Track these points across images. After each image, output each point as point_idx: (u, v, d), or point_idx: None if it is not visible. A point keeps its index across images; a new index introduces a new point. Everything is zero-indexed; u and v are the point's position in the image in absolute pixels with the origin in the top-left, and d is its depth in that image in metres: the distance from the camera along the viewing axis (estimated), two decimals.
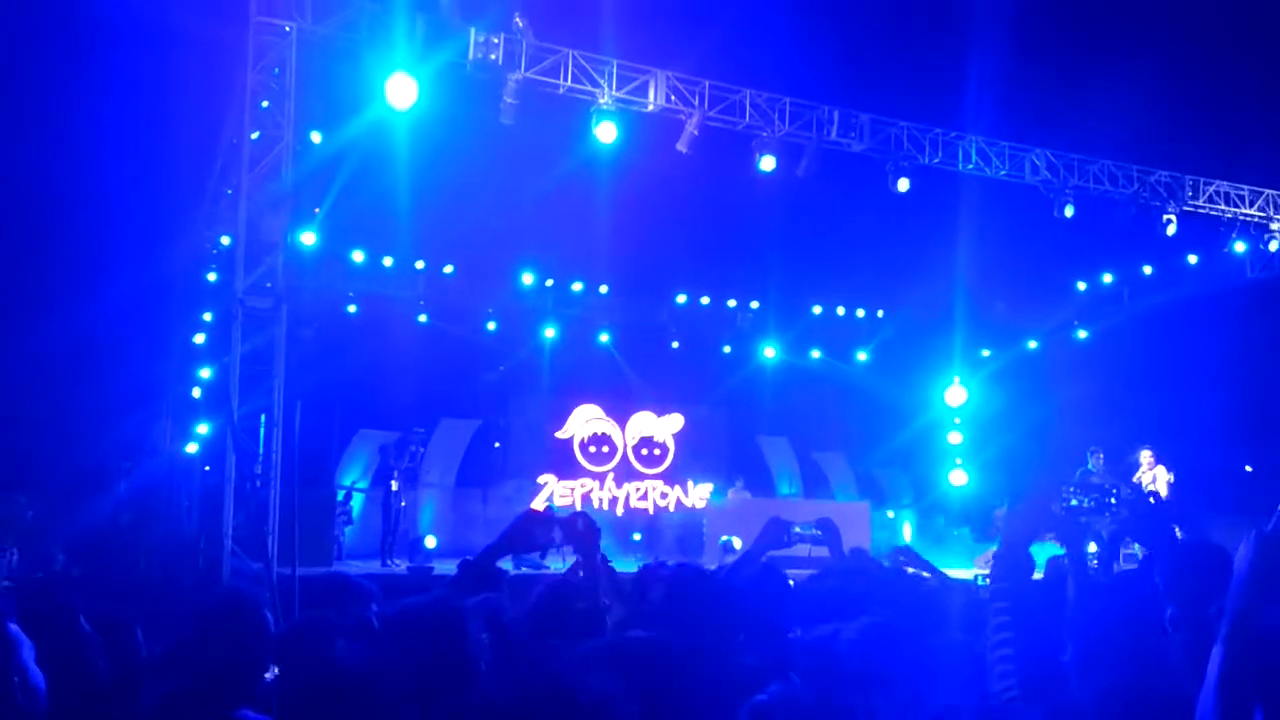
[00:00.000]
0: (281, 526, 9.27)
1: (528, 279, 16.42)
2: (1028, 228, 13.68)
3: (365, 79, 10.18)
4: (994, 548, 13.91)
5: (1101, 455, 13.31)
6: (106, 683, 2.44)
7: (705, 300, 17.82)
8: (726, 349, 18.53)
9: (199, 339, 12.20)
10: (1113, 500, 11.64)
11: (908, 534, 17.45)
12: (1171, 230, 13.55)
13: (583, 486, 17.20)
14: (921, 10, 12.83)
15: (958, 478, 18.31)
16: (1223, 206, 14.03)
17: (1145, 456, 12.84)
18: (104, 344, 12.10)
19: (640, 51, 11.33)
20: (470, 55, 10.42)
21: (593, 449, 17.44)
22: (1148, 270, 16.62)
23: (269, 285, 9.79)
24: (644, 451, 17.75)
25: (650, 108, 11.35)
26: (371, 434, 14.68)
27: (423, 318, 16.25)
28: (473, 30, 10.41)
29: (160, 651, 2.99)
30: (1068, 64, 13.18)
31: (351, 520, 13.85)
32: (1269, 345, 14.40)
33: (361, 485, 14.39)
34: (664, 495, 17.64)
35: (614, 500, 17.34)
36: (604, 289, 17.17)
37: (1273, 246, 14.45)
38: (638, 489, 17.55)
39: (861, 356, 18.90)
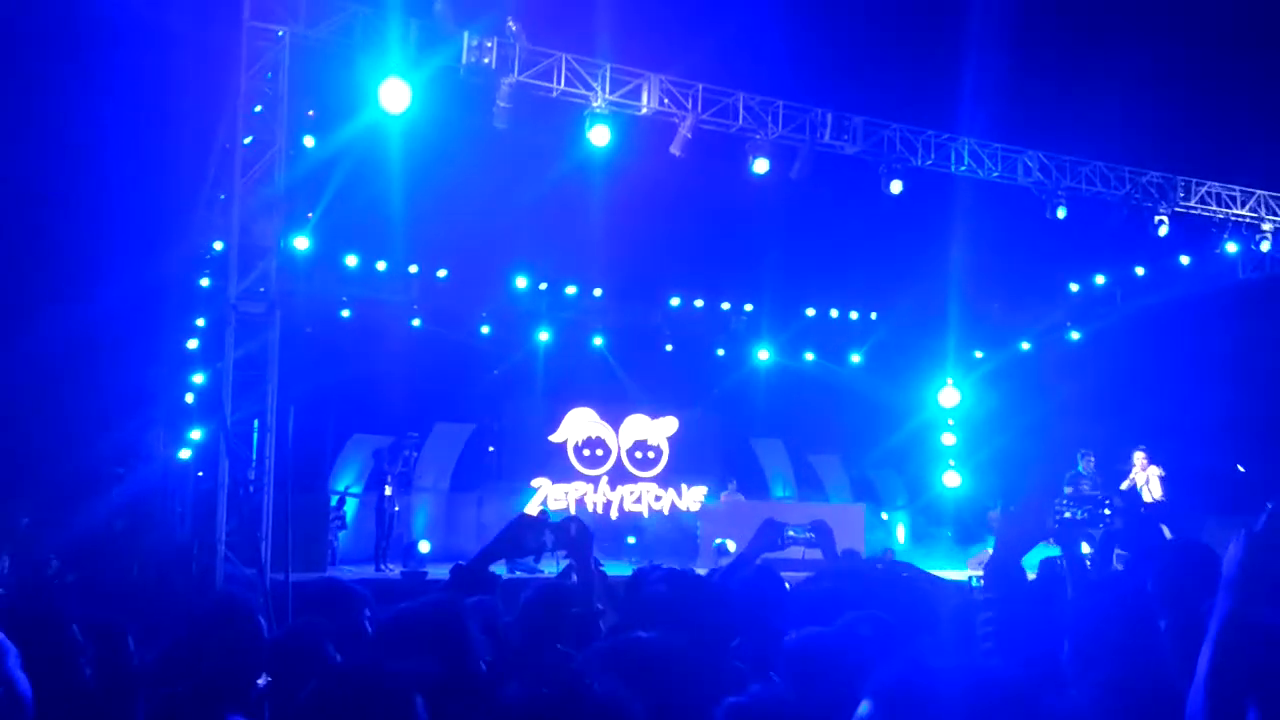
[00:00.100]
0: (275, 532, 9.26)
1: (521, 283, 16.42)
2: (1020, 229, 13.71)
3: (359, 83, 10.18)
4: (986, 548, 13.98)
5: (1092, 458, 13.34)
6: (96, 691, 2.43)
7: (699, 303, 17.84)
8: (720, 351, 18.55)
9: (192, 344, 12.17)
10: (1106, 511, 11.68)
11: (901, 536, 17.49)
12: (1163, 231, 13.59)
13: (577, 490, 17.20)
14: (914, 13, 12.86)
15: (951, 479, 18.34)
16: (1214, 207, 14.08)
17: (1139, 458, 12.86)
18: (98, 350, 12.07)
19: (633, 55, 11.35)
20: (464, 59, 10.43)
21: (587, 452, 17.44)
22: (1140, 271, 16.66)
23: (262, 290, 9.78)
24: (638, 454, 17.76)
25: (643, 111, 11.36)
26: (365, 439, 14.66)
27: (416, 322, 16.24)
28: (466, 34, 10.41)
29: (153, 657, 2.98)
30: (1060, 66, 13.23)
31: (345, 525, 13.83)
32: (1261, 345, 14.43)
33: (355, 490, 14.37)
34: (658, 498, 17.65)
35: (608, 504, 17.35)
36: (598, 292, 17.18)
37: (1264, 247, 14.50)
38: (632, 492, 17.55)
39: (855, 358, 18.93)
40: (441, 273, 15.93)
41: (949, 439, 18.80)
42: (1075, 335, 18.34)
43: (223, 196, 10.67)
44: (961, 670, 1.63)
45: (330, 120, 10.98)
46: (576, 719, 1.80)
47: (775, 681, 2.34)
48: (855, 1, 12.86)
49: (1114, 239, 14.14)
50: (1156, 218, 13.49)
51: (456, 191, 12.20)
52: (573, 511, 16.76)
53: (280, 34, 9.82)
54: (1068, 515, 12.05)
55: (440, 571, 11.29)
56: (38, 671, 2.12)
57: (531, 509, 15.82)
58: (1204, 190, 13.98)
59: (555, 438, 17.29)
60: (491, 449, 16.84)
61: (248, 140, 9.87)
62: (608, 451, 17.60)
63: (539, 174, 12.18)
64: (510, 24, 10.55)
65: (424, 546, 13.70)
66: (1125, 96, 12.40)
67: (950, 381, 18.46)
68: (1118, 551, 10.86)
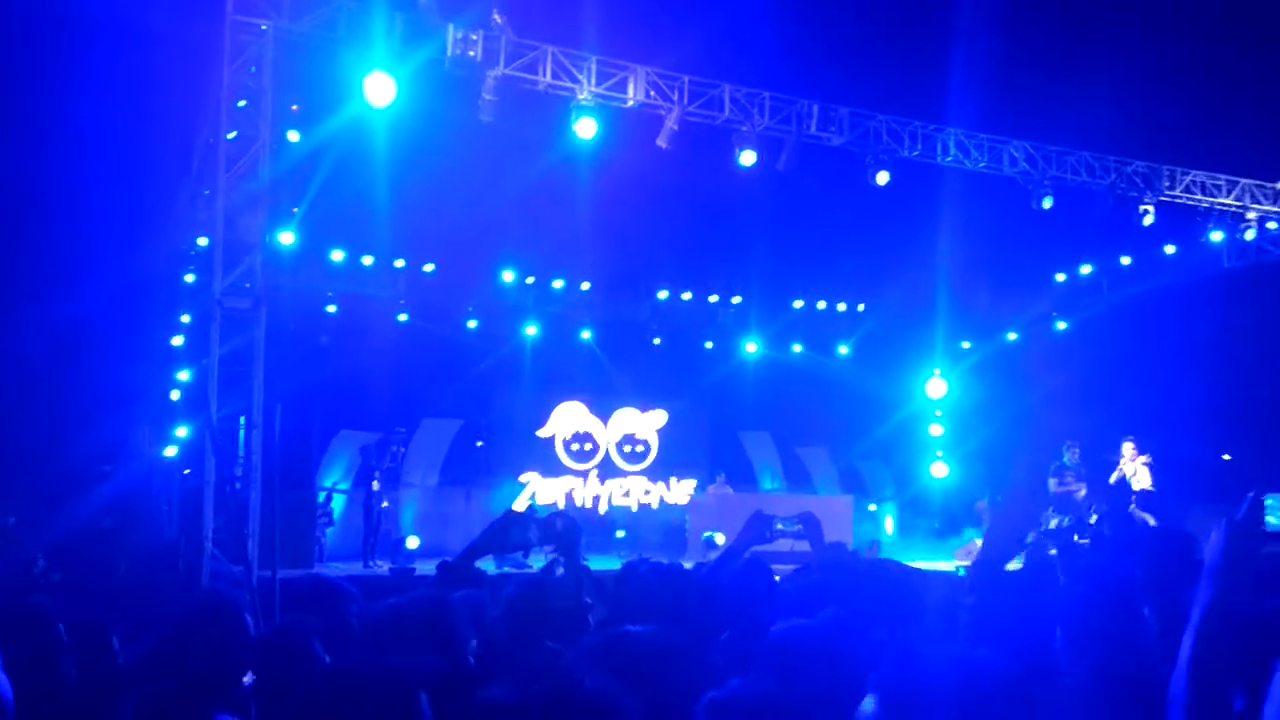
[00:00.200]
0: (262, 529, 9.23)
1: (508, 276, 16.39)
2: (1006, 219, 13.73)
3: (343, 77, 10.13)
4: (974, 539, 14.00)
5: (1077, 449, 13.39)
6: (80, 690, 2.42)
7: (687, 296, 17.83)
8: (708, 344, 18.55)
9: (177, 341, 12.12)
10: (1092, 519, 11.72)
11: (889, 527, 17.55)
12: (1149, 220, 13.62)
13: (565, 484, 17.20)
14: (899, 4, 12.87)
15: (939, 470, 18.41)
16: (1199, 196, 14.12)
17: (1127, 448, 12.91)
18: (81, 348, 12.02)
19: (619, 47, 11.32)
20: (449, 52, 10.38)
21: (575, 446, 17.43)
22: (1126, 261, 16.71)
23: (247, 286, 9.74)
24: (626, 448, 17.76)
25: (630, 103, 11.34)
26: (352, 435, 14.62)
27: (403, 317, 16.19)
28: (451, 27, 10.36)
29: (139, 655, 2.97)
30: (1045, 57, 13.26)
31: (333, 522, 13.79)
32: (1246, 334, 14.51)
33: (343, 486, 14.33)
34: (647, 492, 17.66)
35: (597, 498, 17.35)
36: (585, 286, 17.15)
37: (1249, 235, 14.56)
38: (621, 486, 17.56)
39: (843, 350, 18.97)
40: (428, 267, 15.88)
41: (936, 430, 18.87)
42: (1062, 325, 18.40)
43: (207, 192, 10.61)
44: (955, 662, 1.63)
45: (315, 114, 10.93)
46: (568, 717, 1.79)
47: (755, 676, 2.33)
48: None
49: (1100, 229, 14.18)
50: (1142, 207, 13.53)
51: (442, 185, 12.16)
52: (561, 505, 16.77)
53: (263, 28, 9.76)
54: (1053, 524, 12.10)
55: (429, 567, 11.25)
56: (20, 671, 2.10)
57: (520, 504, 15.81)
58: (1189, 179, 14.03)
59: (544, 432, 17.27)
60: (480, 444, 16.81)
61: (232, 135, 9.81)
62: (596, 445, 17.60)
63: (525, 167, 12.14)
64: (495, 16, 10.51)
65: (412, 542, 13.67)
66: (1110, 86, 12.42)
67: (938, 372, 18.52)
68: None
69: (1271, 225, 14.64)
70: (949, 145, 12.78)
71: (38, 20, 10.56)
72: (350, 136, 10.77)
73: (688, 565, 4.77)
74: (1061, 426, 14.36)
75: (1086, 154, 13.38)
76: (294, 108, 11.01)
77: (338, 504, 14.09)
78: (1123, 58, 12.28)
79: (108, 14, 10.27)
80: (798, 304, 18.31)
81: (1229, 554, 1.72)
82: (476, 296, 16.64)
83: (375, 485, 12.97)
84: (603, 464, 17.55)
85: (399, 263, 15.72)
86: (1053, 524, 12.06)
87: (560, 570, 3.92)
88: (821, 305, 18.48)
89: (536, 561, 10.02)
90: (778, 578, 4.35)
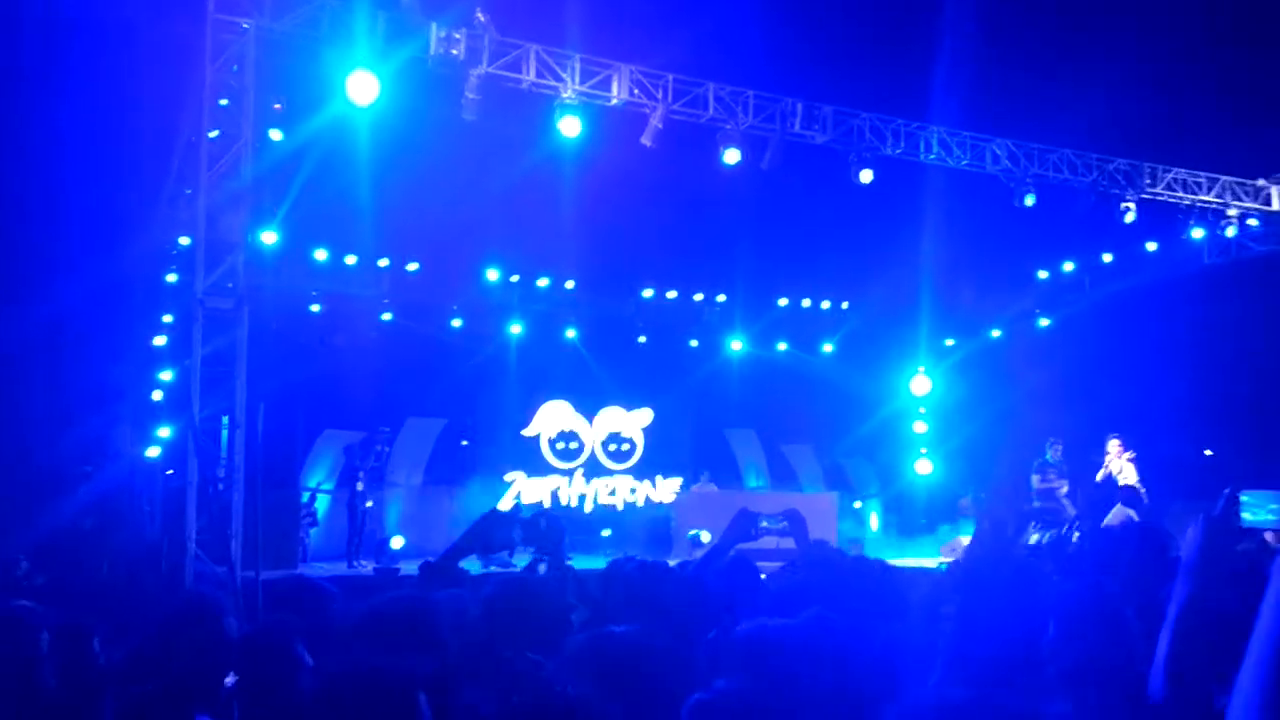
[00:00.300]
0: (245, 530, 9.19)
1: (493, 275, 16.36)
2: (989, 217, 13.79)
3: (325, 76, 10.09)
4: (959, 535, 14.04)
5: (1060, 446, 13.46)
6: (61, 692, 2.40)
7: (672, 294, 17.83)
8: (693, 343, 18.55)
9: (159, 341, 12.04)
10: (1075, 536, 11.77)
11: (874, 524, 17.62)
12: (1130, 218, 13.71)
13: (551, 483, 17.18)
14: (882, 3, 12.90)
15: (923, 467, 18.48)
16: (1180, 194, 14.22)
17: (1113, 446, 12.99)
18: (62, 347, 11.92)
19: (603, 46, 11.31)
20: (432, 51, 10.35)
21: (561, 445, 17.43)
22: (1107, 258, 16.80)
23: (230, 285, 9.70)
24: (612, 447, 17.76)
25: (614, 102, 11.34)
26: (336, 434, 14.58)
27: (387, 316, 16.14)
28: (434, 26, 10.33)
29: (121, 657, 2.96)
30: (1027, 55, 13.30)
31: (317, 522, 13.75)
32: (1227, 330, 14.62)
33: (327, 487, 14.29)
34: (632, 490, 17.67)
35: (582, 496, 17.35)
36: (570, 284, 17.13)
37: (1229, 232, 14.66)
38: (606, 485, 17.57)
39: (827, 348, 19.00)
40: (412, 266, 15.83)
41: (920, 427, 18.94)
42: (1044, 322, 18.49)
43: (188, 191, 10.55)
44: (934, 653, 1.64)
45: (297, 113, 10.88)
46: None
47: (740, 676, 2.34)
48: None
49: (1082, 226, 14.25)
50: (1123, 204, 13.61)
51: (426, 184, 12.12)
52: (547, 504, 16.76)
53: (245, 26, 9.71)
54: (1034, 539, 12.13)
55: (413, 567, 11.23)
56: (1, 674, 2.09)
57: (505, 503, 15.80)
58: (1170, 177, 14.12)
59: (529, 431, 17.26)
60: (465, 443, 16.78)
61: (214, 134, 9.76)
62: (582, 444, 17.60)
63: (509, 166, 12.12)
64: (479, 15, 10.48)
65: (397, 542, 13.65)
66: (1092, 85, 12.48)
67: (921, 370, 18.60)
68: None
69: (1252, 222, 14.75)
70: (932, 143, 12.82)
71: (17, 18, 10.48)
72: (333, 135, 10.72)
73: (673, 563, 4.79)
74: (1044, 423, 14.43)
75: (1068, 152, 13.45)
76: (276, 106, 10.96)
77: (322, 504, 14.05)
78: (1104, 56, 12.34)
79: (88, 12, 10.19)
80: (782, 302, 18.34)
81: (1205, 550, 1.74)
82: (461, 295, 16.60)
83: (359, 485, 12.94)
84: (588, 463, 17.55)
85: (383, 262, 15.67)
86: (1033, 539, 12.08)
87: (543, 569, 3.92)
88: (806, 303, 18.52)
89: (521, 561, 10.04)
90: (764, 575, 4.36)
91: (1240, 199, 14.48)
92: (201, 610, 2.87)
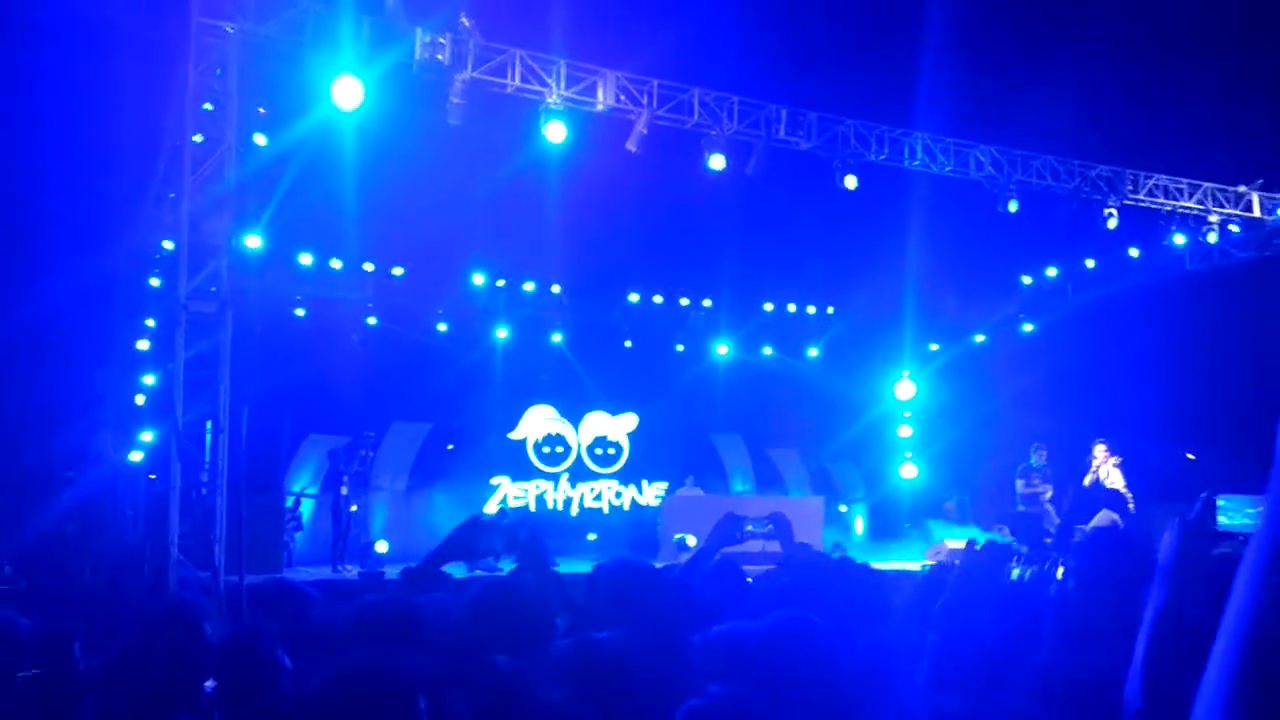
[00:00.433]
0: (228, 534, 9.15)
1: (479, 280, 16.34)
2: (973, 223, 13.86)
3: (310, 80, 10.07)
4: (945, 539, 14.04)
5: (1044, 451, 13.53)
6: (40, 697, 2.40)
7: (658, 299, 17.84)
8: (679, 347, 18.57)
9: (142, 345, 11.99)
10: (1060, 571, 11.82)
11: (860, 527, 17.66)
12: (1113, 224, 13.80)
13: (537, 488, 17.17)
14: (867, 9, 12.95)
15: (908, 471, 18.54)
16: (1162, 200, 14.32)
17: (1099, 451, 13.06)
18: (45, 351, 11.85)
19: (588, 51, 11.33)
20: (416, 56, 10.34)
21: (546, 449, 17.41)
22: (1090, 263, 16.92)
23: (213, 289, 9.66)
24: (598, 451, 17.76)
25: (599, 107, 11.35)
26: (321, 439, 14.52)
27: (372, 320, 16.10)
28: (419, 30, 10.32)
29: (101, 662, 2.94)
30: (1010, 62, 13.39)
31: (301, 526, 13.69)
32: (1208, 335, 14.72)
33: (311, 491, 14.23)
34: (619, 495, 17.67)
35: (568, 501, 17.34)
36: (556, 289, 17.13)
37: (1211, 238, 14.78)
38: (592, 489, 17.56)
39: (812, 353, 19.05)
40: (397, 270, 15.80)
41: (905, 431, 19.01)
42: (1028, 327, 18.60)
43: (172, 195, 10.52)
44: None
45: (282, 117, 10.86)
46: None
47: (733, 684, 2.34)
48: None
49: (1064, 232, 14.34)
50: (1106, 210, 13.70)
51: (412, 188, 12.11)
52: (532, 508, 16.75)
53: (229, 30, 9.68)
54: (1015, 574, 12.17)
55: (398, 571, 11.22)
56: None
57: (490, 507, 15.78)
58: (1152, 183, 14.22)
59: (515, 435, 17.24)
60: (450, 447, 16.75)
61: (197, 138, 9.73)
62: (568, 448, 17.59)
63: (495, 170, 12.13)
64: (463, 20, 10.48)
65: (381, 547, 13.60)
66: (1074, 92, 12.58)
67: (906, 374, 18.66)
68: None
69: (1233, 228, 14.88)
70: (916, 149, 12.88)
71: (1, 22, 10.42)
72: (318, 140, 10.70)
73: (659, 565, 4.79)
74: (1028, 427, 14.51)
75: (1051, 158, 13.53)
76: (260, 110, 10.93)
77: (306, 508, 13.99)
78: (1086, 64, 12.44)
79: (72, 15, 10.14)
80: (768, 307, 18.38)
81: (1181, 554, 1.75)
82: (446, 300, 16.57)
83: (344, 489, 12.90)
84: (574, 467, 17.55)
85: (368, 266, 15.63)
86: (1014, 573, 12.12)
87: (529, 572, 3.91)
88: (791, 308, 18.56)
89: (507, 565, 10.01)
90: (749, 579, 4.37)
91: (1222, 205, 14.60)
92: (182, 616, 2.87)
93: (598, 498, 17.56)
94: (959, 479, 17.68)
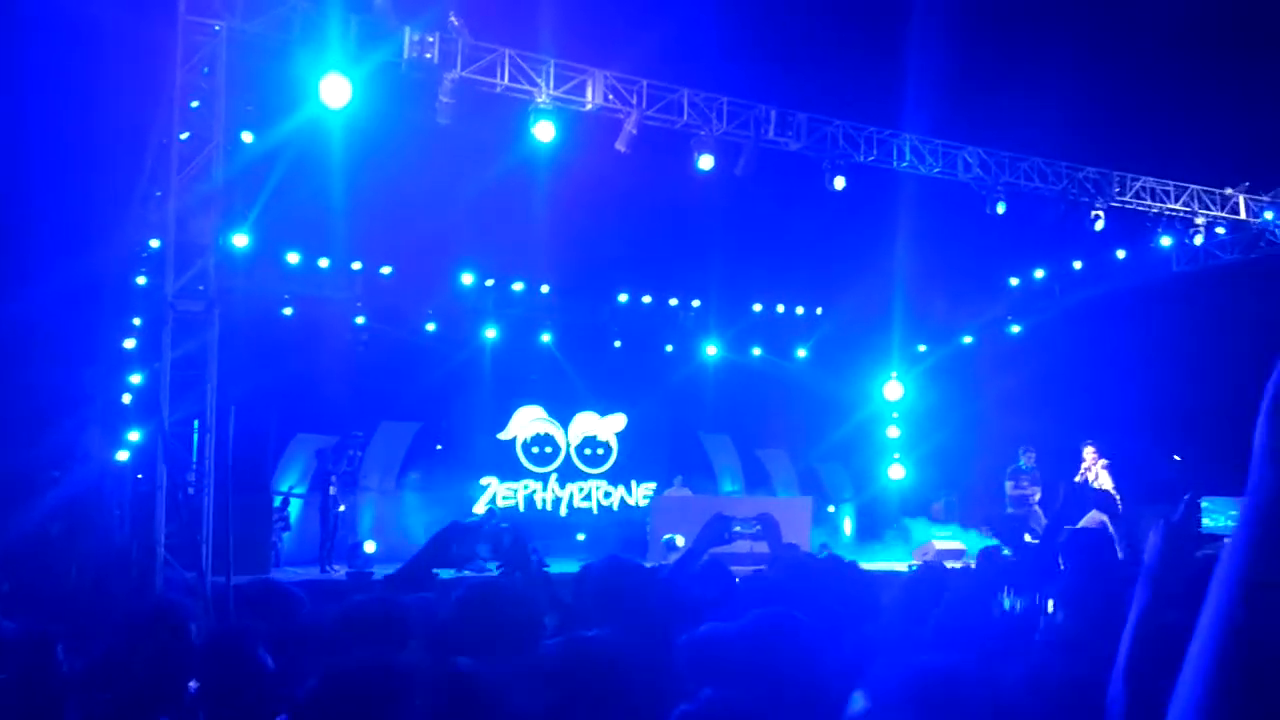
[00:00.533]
0: (215, 535, 9.11)
1: (467, 279, 16.32)
2: (961, 224, 13.91)
3: (298, 78, 10.04)
4: (932, 539, 14.08)
5: (1033, 454, 13.57)
6: (22, 700, 2.38)
7: (647, 299, 17.86)
8: (668, 348, 18.59)
9: (129, 344, 11.93)
10: (1050, 605, 11.85)
11: (848, 528, 17.70)
12: (1100, 226, 13.85)
13: (526, 488, 17.15)
14: (857, 11, 12.97)
15: (896, 471, 18.58)
16: (1149, 202, 14.38)
17: (1088, 453, 13.11)
18: (30, 350, 11.79)
19: (577, 51, 11.32)
20: (405, 54, 10.32)
21: (535, 450, 17.40)
22: (1077, 265, 16.99)
23: (201, 288, 9.61)
24: (587, 451, 17.76)
25: (588, 107, 11.34)
26: (309, 438, 14.48)
27: (360, 319, 16.06)
28: (407, 29, 10.30)
29: (84, 664, 2.93)
30: (998, 64, 13.42)
31: (289, 527, 13.64)
32: (1195, 337, 14.79)
33: (299, 491, 14.18)
34: (608, 495, 17.67)
35: (557, 501, 17.33)
36: (545, 289, 17.13)
37: (1197, 241, 14.85)
38: (581, 489, 17.56)
39: (801, 353, 19.09)
40: (386, 269, 15.77)
41: (893, 432, 19.05)
42: (1015, 329, 18.67)
43: (159, 193, 10.46)
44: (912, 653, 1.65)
45: (269, 115, 10.81)
46: None
47: (726, 687, 2.34)
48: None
49: (1052, 233, 14.40)
50: (1093, 212, 13.75)
51: (400, 187, 12.09)
52: (521, 509, 16.74)
53: (217, 28, 9.64)
54: (1006, 604, 12.20)
55: (387, 571, 11.21)
56: None
57: (479, 508, 15.76)
58: (1138, 185, 14.28)
59: (504, 435, 17.22)
60: (439, 447, 16.72)
61: (184, 136, 9.68)
62: (557, 449, 17.58)
63: (484, 170, 12.10)
64: (452, 19, 10.46)
65: (370, 547, 13.56)
66: (1062, 94, 12.62)
67: (894, 375, 18.71)
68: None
69: (1220, 231, 14.96)
70: (904, 151, 12.91)
71: None
72: (306, 138, 10.66)
73: (648, 565, 4.79)
74: (1015, 428, 14.56)
75: (1039, 160, 13.58)
76: (248, 108, 10.89)
77: (294, 508, 13.94)
78: (1074, 66, 12.48)
79: (57, 11, 10.09)
80: (757, 308, 18.41)
81: (1165, 556, 1.76)
82: (435, 299, 16.55)
83: (332, 489, 12.86)
84: (563, 467, 17.54)
85: (356, 265, 15.60)
86: (1006, 604, 12.16)
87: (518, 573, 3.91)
88: (780, 309, 18.60)
89: (494, 566, 10.00)
90: (738, 579, 4.38)
91: (1208, 208, 14.67)
92: (166, 616, 2.85)
93: (587, 498, 17.56)
94: (947, 480, 17.73)
